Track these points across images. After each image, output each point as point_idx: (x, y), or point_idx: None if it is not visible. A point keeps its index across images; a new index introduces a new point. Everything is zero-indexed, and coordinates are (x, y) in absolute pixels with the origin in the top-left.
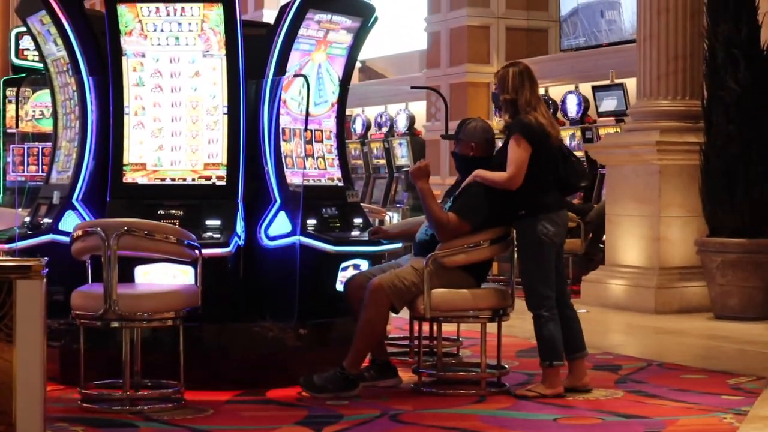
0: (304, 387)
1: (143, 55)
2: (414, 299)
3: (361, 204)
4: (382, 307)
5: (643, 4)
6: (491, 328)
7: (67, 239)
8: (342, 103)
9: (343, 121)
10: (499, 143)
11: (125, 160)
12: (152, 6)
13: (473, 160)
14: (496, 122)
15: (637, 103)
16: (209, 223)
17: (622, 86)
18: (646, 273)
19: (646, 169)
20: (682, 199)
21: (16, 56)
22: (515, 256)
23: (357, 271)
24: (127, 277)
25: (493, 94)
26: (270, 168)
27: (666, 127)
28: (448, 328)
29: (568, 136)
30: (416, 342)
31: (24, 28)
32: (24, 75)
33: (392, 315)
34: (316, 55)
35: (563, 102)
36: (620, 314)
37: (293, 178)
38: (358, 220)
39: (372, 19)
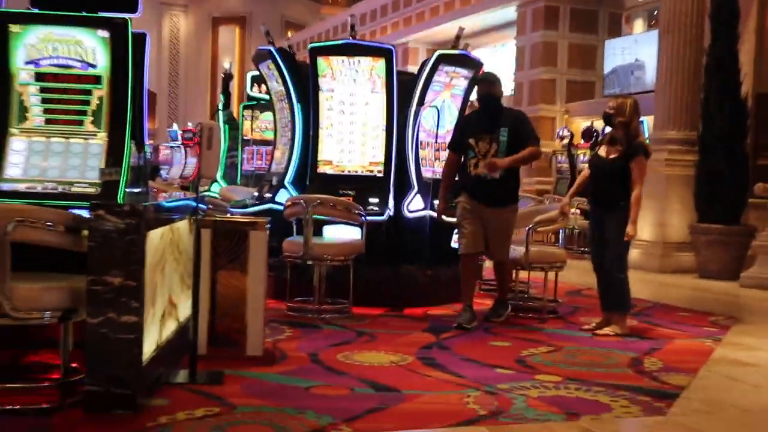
0: (491, 317)
1: (332, 90)
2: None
3: None
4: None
5: (661, 67)
6: (551, 276)
7: (281, 207)
8: None
9: None
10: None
11: (319, 158)
12: (339, 59)
13: None
14: (558, 143)
15: (654, 133)
16: (371, 200)
17: (643, 122)
18: (654, 245)
19: (657, 177)
20: (681, 197)
21: (250, 90)
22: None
23: None
24: (319, 232)
25: (606, 115)
26: (411, 166)
27: (672, 149)
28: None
29: None
30: None
31: (256, 72)
32: (255, 102)
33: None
34: (444, 94)
35: (603, 131)
36: (637, 272)
37: (426, 174)
38: None
39: (480, 71)
